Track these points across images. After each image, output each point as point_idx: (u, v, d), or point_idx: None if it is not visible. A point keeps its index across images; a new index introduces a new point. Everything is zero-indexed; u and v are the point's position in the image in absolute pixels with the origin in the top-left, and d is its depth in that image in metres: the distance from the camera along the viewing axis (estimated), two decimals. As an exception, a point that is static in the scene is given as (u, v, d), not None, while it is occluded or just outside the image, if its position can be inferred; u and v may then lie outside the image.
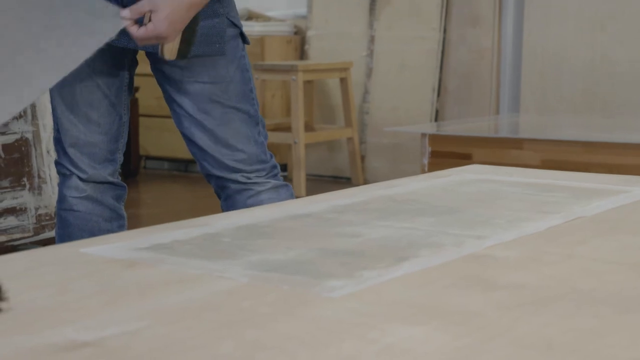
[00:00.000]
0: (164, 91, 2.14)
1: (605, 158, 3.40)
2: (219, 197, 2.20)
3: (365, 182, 5.36)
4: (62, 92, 2.08)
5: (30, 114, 3.36)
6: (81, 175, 2.12)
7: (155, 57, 2.09)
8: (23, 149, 3.35)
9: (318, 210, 1.30)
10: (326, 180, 5.60)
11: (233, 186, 2.15)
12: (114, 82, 2.11)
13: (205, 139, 2.11)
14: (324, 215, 1.26)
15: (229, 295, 0.87)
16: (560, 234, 1.16)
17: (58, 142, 2.13)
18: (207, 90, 2.08)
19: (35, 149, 3.39)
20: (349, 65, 5.30)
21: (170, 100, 2.13)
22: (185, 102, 2.10)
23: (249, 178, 2.14)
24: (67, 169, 2.12)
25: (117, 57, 2.10)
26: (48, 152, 3.39)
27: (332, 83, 5.54)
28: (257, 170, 2.15)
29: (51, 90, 2.11)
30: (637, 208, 1.34)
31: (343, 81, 5.30)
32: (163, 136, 5.75)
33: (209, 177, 2.17)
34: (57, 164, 2.14)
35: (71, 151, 2.10)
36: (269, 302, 0.85)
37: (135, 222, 4.28)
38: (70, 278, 0.94)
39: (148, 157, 6.04)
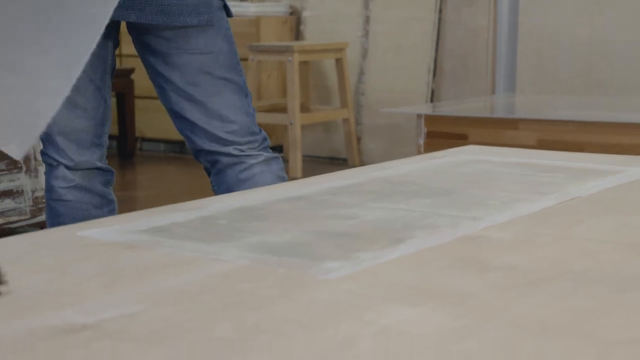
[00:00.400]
0: (149, 66, 2.10)
1: (601, 138, 3.40)
2: (209, 173, 2.16)
3: (362, 163, 5.36)
4: None
5: (25, 96, 3.35)
6: (68, 163, 2.09)
7: (138, 30, 2.07)
8: (19, 131, 3.34)
9: (313, 192, 1.30)
10: (322, 161, 5.60)
11: (225, 160, 2.11)
12: (98, 64, 2.09)
13: (196, 112, 2.08)
14: (318, 198, 1.27)
15: (225, 278, 0.88)
16: (555, 215, 1.16)
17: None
18: (197, 61, 2.06)
19: (31, 132, 3.38)
20: (344, 46, 5.30)
21: (156, 75, 2.10)
22: (174, 75, 2.06)
23: (242, 150, 2.11)
24: (54, 159, 2.10)
25: (100, 38, 2.08)
26: (44, 134, 3.39)
27: (328, 64, 5.53)
28: (250, 142, 2.12)
29: None
30: (633, 188, 1.35)
31: (339, 62, 5.29)
32: (159, 118, 5.74)
33: (199, 152, 2.13)
34: (43, 154, 2.12)
35: (59, 139, 2.08)
36: (266, 285, 0.85)
37: (131, 204, 4.29)
38: (69, 261, 0.94)
39: (144, 139, 6.04)
